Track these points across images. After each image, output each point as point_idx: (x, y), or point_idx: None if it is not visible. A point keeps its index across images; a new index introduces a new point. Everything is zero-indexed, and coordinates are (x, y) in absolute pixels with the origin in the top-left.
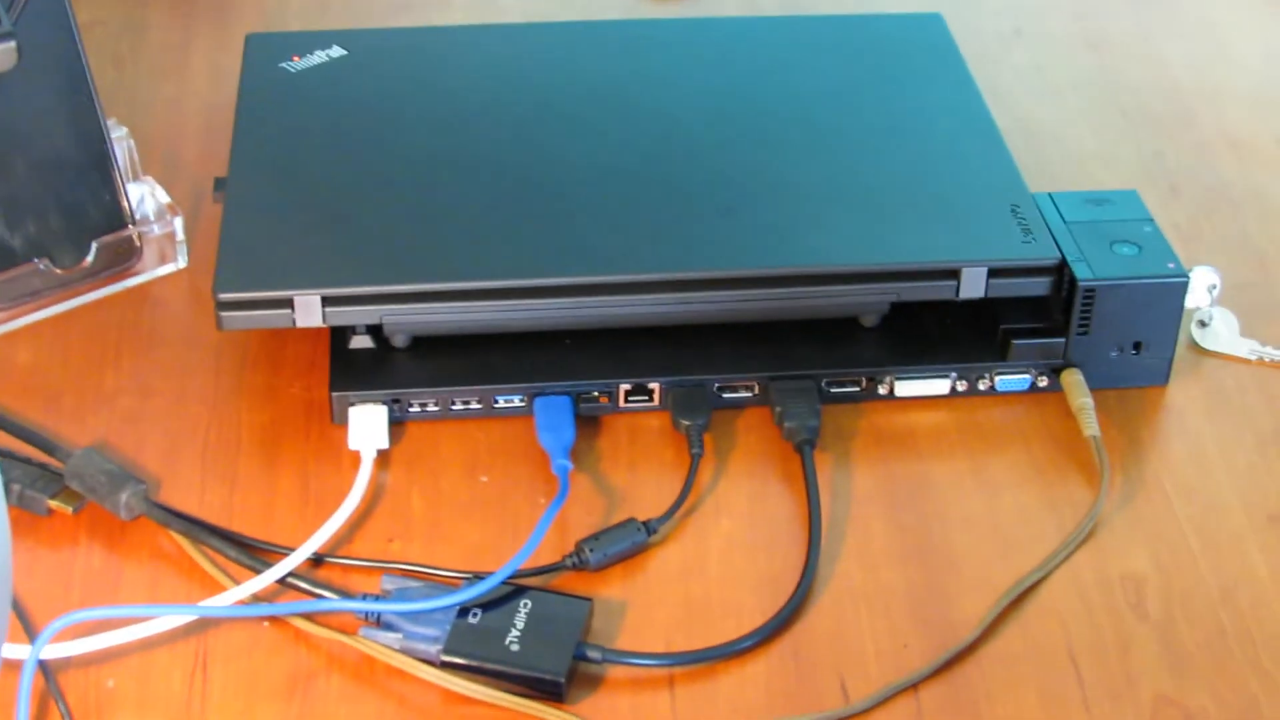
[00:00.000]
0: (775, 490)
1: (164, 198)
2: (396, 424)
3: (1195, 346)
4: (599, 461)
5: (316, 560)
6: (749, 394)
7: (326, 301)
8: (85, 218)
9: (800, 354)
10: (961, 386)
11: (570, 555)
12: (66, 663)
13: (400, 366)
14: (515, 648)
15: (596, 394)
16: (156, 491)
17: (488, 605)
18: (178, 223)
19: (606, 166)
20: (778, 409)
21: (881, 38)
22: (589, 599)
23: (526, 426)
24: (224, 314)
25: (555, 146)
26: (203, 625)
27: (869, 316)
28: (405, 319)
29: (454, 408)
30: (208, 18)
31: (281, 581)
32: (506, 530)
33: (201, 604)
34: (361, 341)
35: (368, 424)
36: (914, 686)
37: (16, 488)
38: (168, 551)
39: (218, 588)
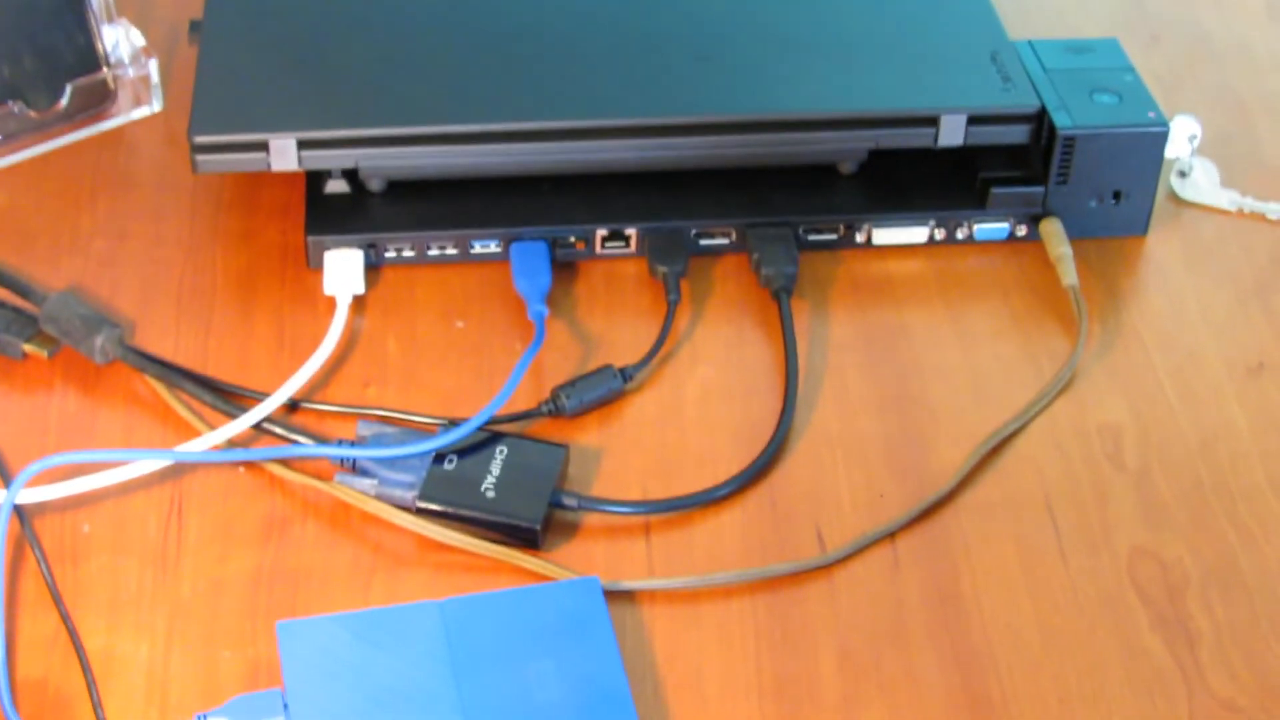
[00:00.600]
0: (752, 338)
1: (139, 40)
2: (372, 269)
3: (1175, 197)
4: (575, 308)
5: (292, 406)
6: (726, 241)
7: (302, 144)
8: (59, 60)
9: (778, 200)
10: (940, 235)
11: (546, 402)
12: (42, 508)
13: (376, 211)
14: (491, 494)
15: (573, 239)
16: (131, 335)
17: (463, 452)
18: (152, 65)
19: (584, 11)
20: (755, 255)
21: None
22: (565, 446)
23: (503, 272)
24: (199, 157)
25: None
26: (178, 470)
27: (847, 164)
28: (381, 163)
29: (430, 253)
30: None
31: (257, 427)
32: (483, 376)
33: (177, 449)
34: (337, 186)
35: (343, 268)
36: (890, 536)
37: None
38: (143, 396)
39: (193, 433)
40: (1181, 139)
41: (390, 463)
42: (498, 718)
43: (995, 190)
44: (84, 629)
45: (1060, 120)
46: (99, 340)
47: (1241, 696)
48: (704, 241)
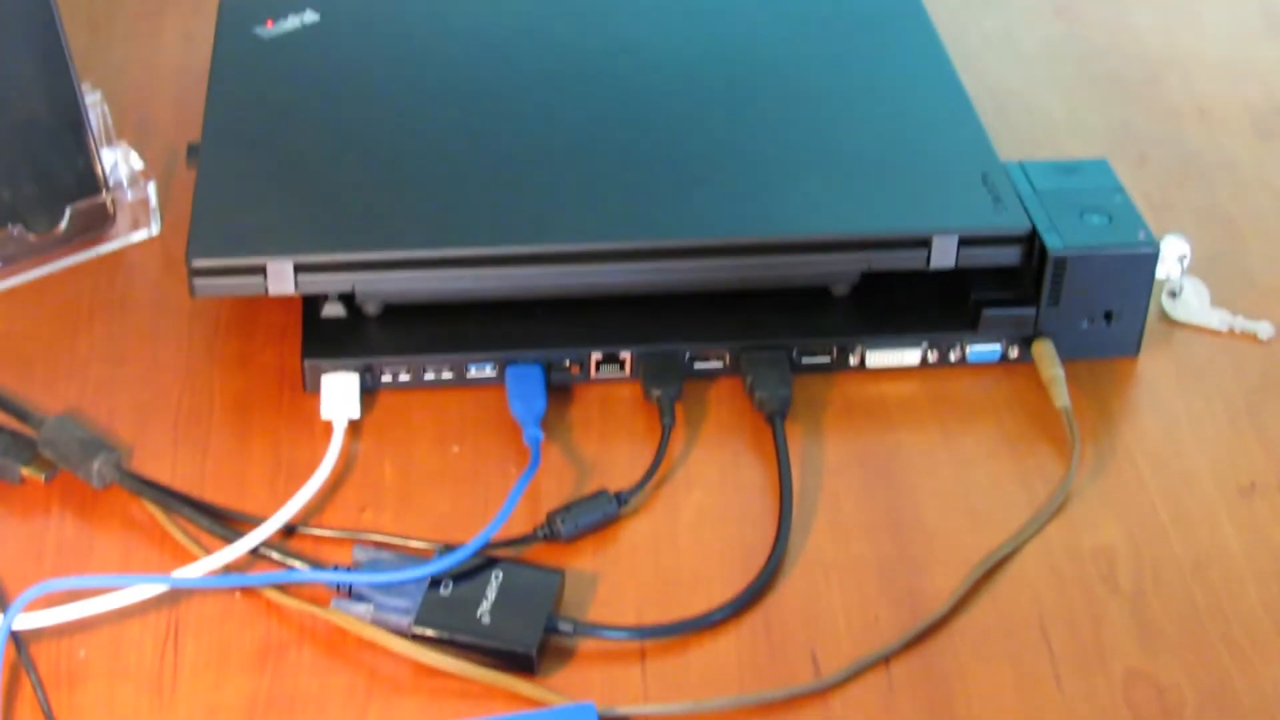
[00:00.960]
0: (746, 461)
1: (137, 163)
2: (368, 394)
3: (1166, 317)
4: (570, 432)
5: (288, 530)
6: (720, 364)
7: (299, 269)
8: (59, 183)
9: (771, 323)
10: (932, 357)
11: (542, 526)
12: (38, 633)
13: (372, 335)
14: (486, 620)
15: (568, 363)
16: (129, 460)
17: (459, 576)
18: (151, 188)
19: (579, 134)
20: (749, 379)
21: (852, 4)
22: (560, 571)
23: (498, 396)
24: (197, 281)
25: (528, 113)
26: (174, 596)
27: (840, 286)
28: (377, 286)
29: (426, 377)
30: None
31: (253, 552)
32: (478, 500)
33: (173, 574)
34: (334, 310)
35: (340, 392)
36: (885, 660)
37: None
38: (140, 521)
39: (189, 557)
40: (1172, 259)
41: (386, 588)
42: None
43: (987, 313)
44: None
45: (1051, 241)
46: (96, 464)
47: None
48: (698, 364)
